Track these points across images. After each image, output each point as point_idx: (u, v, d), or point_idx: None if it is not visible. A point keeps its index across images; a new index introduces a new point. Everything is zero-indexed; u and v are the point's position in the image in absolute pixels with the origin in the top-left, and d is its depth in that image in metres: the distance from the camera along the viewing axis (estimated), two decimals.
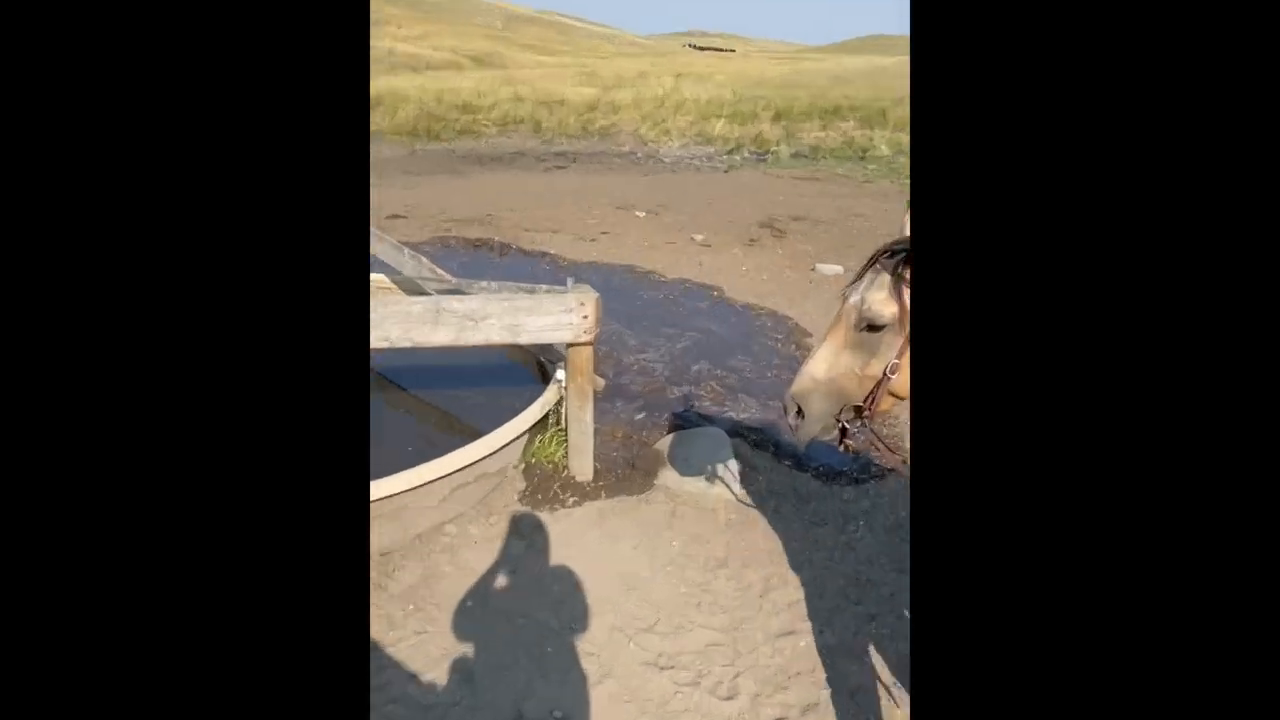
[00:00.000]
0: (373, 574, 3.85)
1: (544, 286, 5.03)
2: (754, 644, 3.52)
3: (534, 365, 6.24)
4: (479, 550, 4.10)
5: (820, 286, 8.87)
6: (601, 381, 5.47)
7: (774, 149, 21.34)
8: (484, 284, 5.62)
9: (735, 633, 3.58)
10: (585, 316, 4.42)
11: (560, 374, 4.96)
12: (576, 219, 11.96)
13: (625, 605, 3.73)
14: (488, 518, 4.40)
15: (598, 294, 4.50)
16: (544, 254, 10.08)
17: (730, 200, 13.88)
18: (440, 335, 4.16)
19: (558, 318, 4.39)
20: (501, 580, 3.88)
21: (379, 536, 3.99)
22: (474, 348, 4.85)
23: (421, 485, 4.01)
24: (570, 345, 4.53)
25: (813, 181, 16.51)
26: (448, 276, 6.00)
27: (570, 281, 4.84)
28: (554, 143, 21.88)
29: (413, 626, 3.54)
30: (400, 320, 4.10)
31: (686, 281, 9.15)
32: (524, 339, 4.35)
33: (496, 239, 10.64)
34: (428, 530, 4.21)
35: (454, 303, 4.24)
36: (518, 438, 4.68)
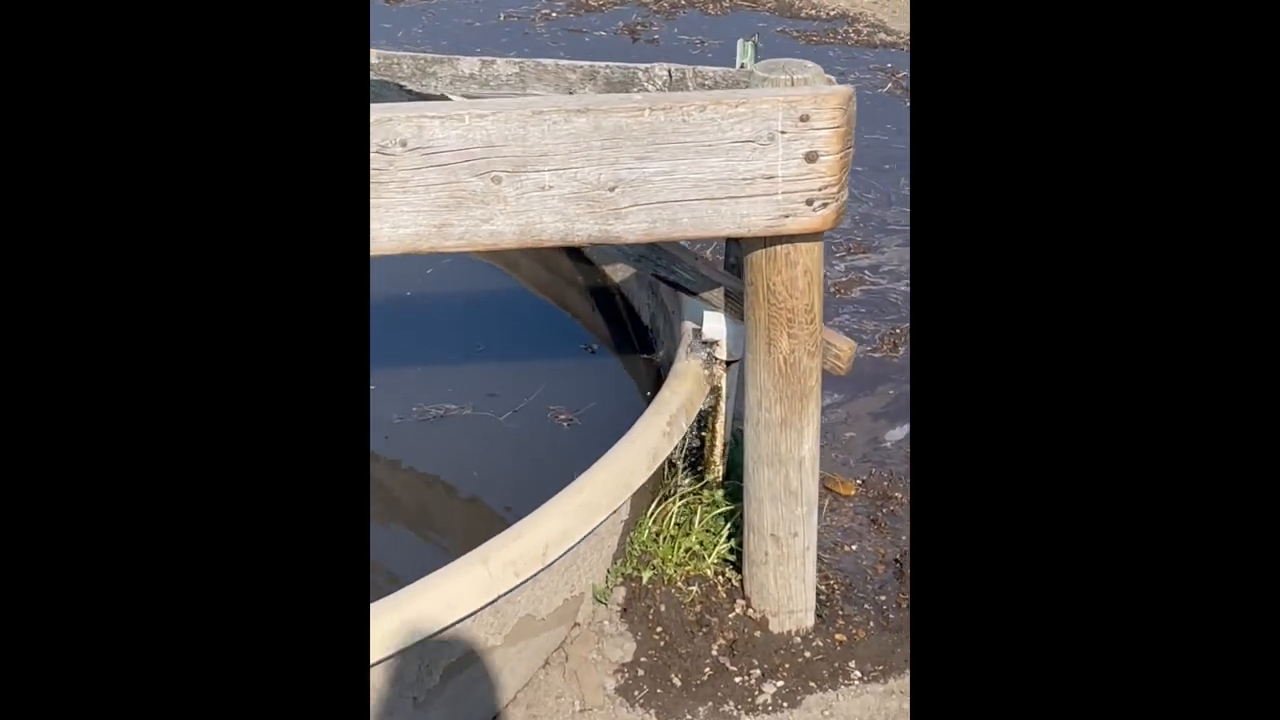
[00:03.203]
0: None
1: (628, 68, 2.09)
2: None
3: (600, 300, 2.79)
4: None
5: None
6: (848, 347, 2.33)
7: None
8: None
9: None
10: (812, 154, 1.51)
11: (713, 325, 2.13)
12: None
13: None
14: None
15: (846, 87, 1.61)
16: None
17: None
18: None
19: (731, 159, 1.49)
20: None
21: None
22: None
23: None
24: (765, 241, 1.80)
25: None
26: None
27: (742, 50, 1.98)
28: None
29: None
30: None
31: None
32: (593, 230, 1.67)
33: None
34: None
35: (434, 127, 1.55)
36: (598, 529, 1.97)
